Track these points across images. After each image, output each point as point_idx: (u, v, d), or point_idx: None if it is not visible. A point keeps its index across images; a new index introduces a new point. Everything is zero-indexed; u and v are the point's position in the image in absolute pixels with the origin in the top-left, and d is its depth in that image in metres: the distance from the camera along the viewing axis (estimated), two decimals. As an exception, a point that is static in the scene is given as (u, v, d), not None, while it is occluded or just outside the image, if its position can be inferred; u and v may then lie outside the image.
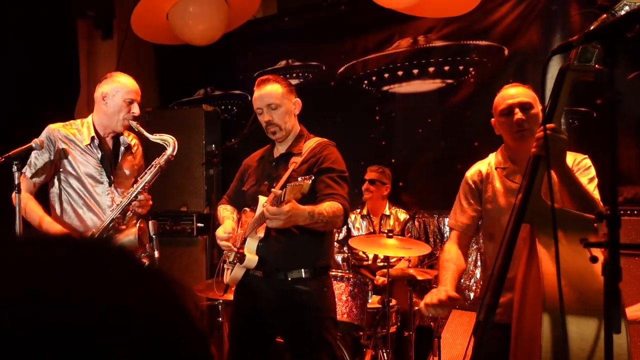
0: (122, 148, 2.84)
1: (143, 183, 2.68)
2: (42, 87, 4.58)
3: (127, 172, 2.84)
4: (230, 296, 2.72)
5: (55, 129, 2.75)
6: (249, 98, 5.31)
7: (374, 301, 3.51)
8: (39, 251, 0.45)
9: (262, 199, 2.40)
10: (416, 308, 3.65)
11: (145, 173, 2.72)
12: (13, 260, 0.43)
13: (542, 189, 1.71)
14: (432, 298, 1.97)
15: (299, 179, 2.05)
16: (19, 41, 4.44)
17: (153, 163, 2.72)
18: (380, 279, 3.72)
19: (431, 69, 4.52)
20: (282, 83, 2.50)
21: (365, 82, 4.77)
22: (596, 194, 1.93)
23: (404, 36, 4.62)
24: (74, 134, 2.77)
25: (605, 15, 1.62)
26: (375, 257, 4.06)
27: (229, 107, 5.34)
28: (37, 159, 2.71)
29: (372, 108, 4.74)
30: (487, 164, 2.28)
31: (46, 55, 4.68)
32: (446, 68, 4.46)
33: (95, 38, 5.35)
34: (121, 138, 2.83)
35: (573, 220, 1.66)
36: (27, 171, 2.70)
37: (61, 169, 2.74)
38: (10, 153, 2.48)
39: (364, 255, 4.10)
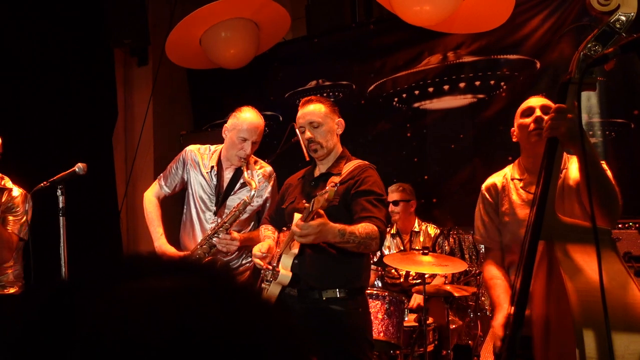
0: (239, 183, 2.86)
1: (223, 222, 2.70)
2: (81, 113, 4.75)
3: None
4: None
5: (189, 150, 2.93)
6: (281, 119, 5.38)
7: (410, 319, 3.46)
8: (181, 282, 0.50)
9: (297, 216, 2.42)
10: (453, 326, 3.59)
11: (230, 213, 2.72)
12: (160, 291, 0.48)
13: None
14: (498, 332, 1.95)
15: (327, 187, 2.07)
16: (60, 70, 4.63)
17: (236, 205, 2.74)
18: (415, 302, 3.66)
19: (462, 85, 4.51)
20: (325, 103, 2.55)
21: (396, 99, 4.78)
22: None
23: (433, 53, 4.62)
24: (203, 158, 2.89)
25: (603, 27, 1.61)
26: (407, 274, 4.01)
27: (261, 128, 5.41)
28: (172, 171, 2.91)
29: (404, 125, 4.74)
30: (502, 176, 2.25)
31: (85, 82, 4.85)
32: (477, 83, 4.44)
33: (131, 65, 5.52)
34: (245, 173, 2.79)
35: (586, 234, 1.61)
36: (162, 179, 2.93)
37: (188, 188, 2.89)
38: (54, 177, 2.57)
39: (395, 273, 4.06)
